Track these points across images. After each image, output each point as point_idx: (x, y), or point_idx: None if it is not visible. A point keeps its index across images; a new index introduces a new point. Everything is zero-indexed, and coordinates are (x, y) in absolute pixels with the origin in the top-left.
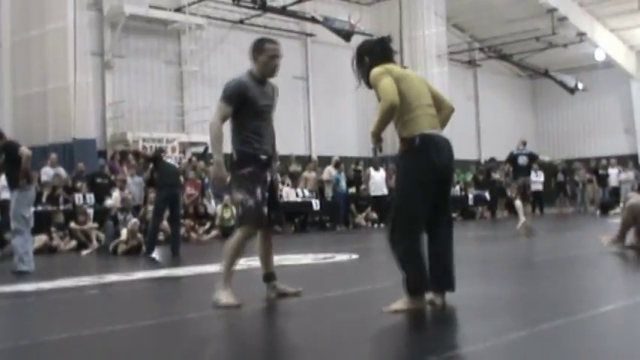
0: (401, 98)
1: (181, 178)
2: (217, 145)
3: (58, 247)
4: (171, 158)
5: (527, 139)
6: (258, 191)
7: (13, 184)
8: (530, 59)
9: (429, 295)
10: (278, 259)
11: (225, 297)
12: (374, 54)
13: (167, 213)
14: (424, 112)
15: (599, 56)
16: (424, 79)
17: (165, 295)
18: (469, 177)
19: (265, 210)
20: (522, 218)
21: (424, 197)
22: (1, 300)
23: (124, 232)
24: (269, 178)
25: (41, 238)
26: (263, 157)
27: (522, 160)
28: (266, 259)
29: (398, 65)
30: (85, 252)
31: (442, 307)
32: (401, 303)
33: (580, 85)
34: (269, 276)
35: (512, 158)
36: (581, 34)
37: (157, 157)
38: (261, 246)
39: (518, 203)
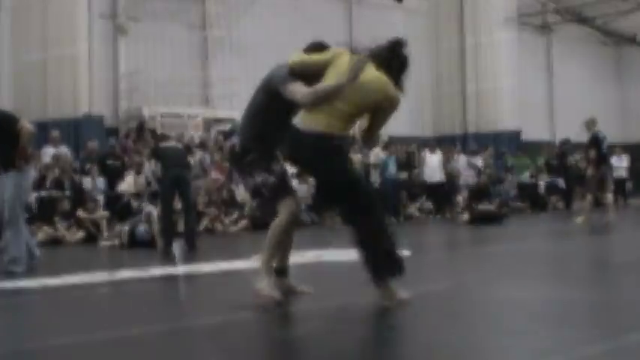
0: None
1: (190, 160)
2: (323, 89)
3: (64, 239)
4: (172, 140)
5: (611, 118)
6: (275, 166)
7: (7, 165)
8: (615, 23)
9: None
10: (318, 254)
11: (267, 288)
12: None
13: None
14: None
15: None
16: None
17: (184, 295)
18: (540, 162)
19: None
20: (584, 215)
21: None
22: (2, 298)
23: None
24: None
25: (45, 230)
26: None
27: (606, 146)
28: (283, 252)
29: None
30: (104, 243)
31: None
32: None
33: None
34: (281, 271)
35: (599, 143)
36: None
37: (153, 150)
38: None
39: (589, 198)
